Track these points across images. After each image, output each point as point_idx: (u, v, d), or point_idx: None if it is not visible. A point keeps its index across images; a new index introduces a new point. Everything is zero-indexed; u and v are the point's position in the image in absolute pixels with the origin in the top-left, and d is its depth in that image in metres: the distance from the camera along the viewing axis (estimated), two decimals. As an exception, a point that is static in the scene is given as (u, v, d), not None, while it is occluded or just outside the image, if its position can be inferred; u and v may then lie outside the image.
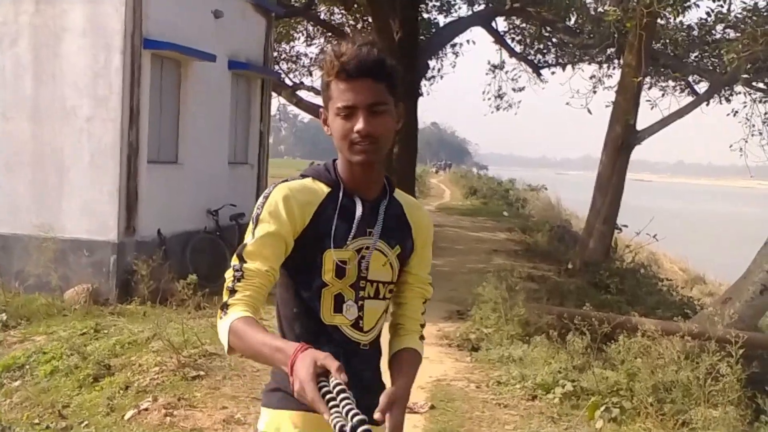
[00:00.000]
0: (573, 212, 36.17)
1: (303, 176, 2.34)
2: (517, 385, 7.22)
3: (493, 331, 9.14)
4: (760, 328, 12.62)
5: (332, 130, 2.24)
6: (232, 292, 2.17)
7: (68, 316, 9.65)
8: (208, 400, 6.48)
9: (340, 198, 2.27)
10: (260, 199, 2.27)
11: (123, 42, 10.46)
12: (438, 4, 26.68)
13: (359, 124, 2.16)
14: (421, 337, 2.44)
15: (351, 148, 2.20)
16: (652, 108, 16.62)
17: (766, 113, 19.33)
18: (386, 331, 2.42)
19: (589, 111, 15.48)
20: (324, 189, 2.29)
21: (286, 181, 2.30)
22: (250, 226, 2.23)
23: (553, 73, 27.71)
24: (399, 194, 2.43)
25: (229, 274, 2.20)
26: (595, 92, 18.63)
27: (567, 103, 15.16)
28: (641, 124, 16.36)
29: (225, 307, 2.17)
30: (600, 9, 19.96)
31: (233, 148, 14.10)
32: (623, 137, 15.92)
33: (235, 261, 2.20)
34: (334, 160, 2.35)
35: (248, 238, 2.22)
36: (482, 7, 25.72)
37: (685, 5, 15.75)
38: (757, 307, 11.11)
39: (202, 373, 7.03)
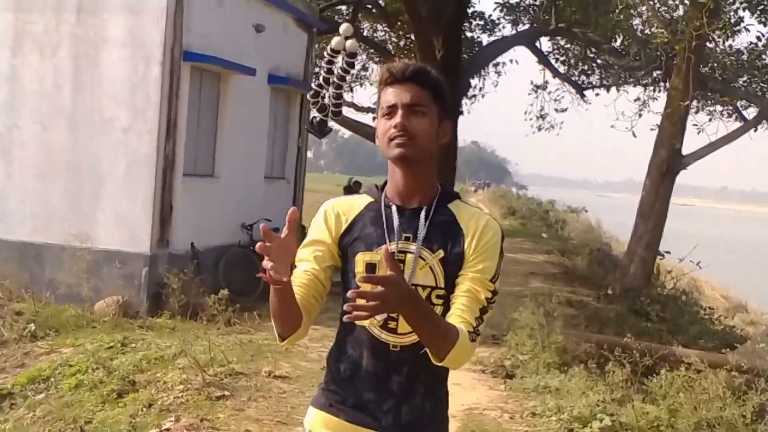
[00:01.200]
0: (613, 235, 35.62)
1: (358, 194, 2.53)
2: (553, 417, 6.93)
3: (529, 358, 8.85)
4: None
5: (377, 134, 2.41)
6: None
7: (97, 328, 9.55)
8: (232, 422, 6.29)
9: (379, 206, 2.41)
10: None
11: (162, 54, 10.40)
12: (482, 23, 26.50)
13: (396, 119, 2.32)
14: (471, 333, 2.26)
15: (389, 144, 2.35)
16: (699, 132, 16.25)
17: (815, 140, 18.91)
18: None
19: (634, 134, 15.16)
20: (367, 200, 2.46)
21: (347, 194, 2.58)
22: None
23: (597, 94, 27.36)
24: (456, 205, 2.45)
25: None
26: (641, 115, 18.26)
27: (612, 126, 14.85)
28: (686, 149, 16.02)
29: None
30: (647, 31, 19.62)
31: (270, 162, 13.99)
32: (668, 162, 15.55)
33: None
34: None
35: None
36: (526, 26, 25.48)
37: (735, 29, 15.42)
38: (805, 341, 10.71)
39: (227, 393, 6.85)
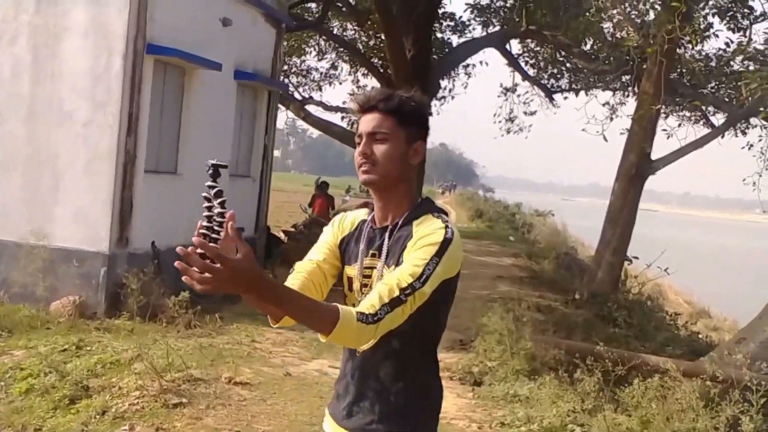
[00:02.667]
0: (579, 239, 35.71)
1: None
2: (522, 428, 6.72)
3: (497, 365, 8.66)
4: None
5: None
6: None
7: (52, 329, 9.19)
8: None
9: (367, 225, 2.61)
10: None
11: (125, 46, 10.06)
12: (452, 24, 26.37)
13: (359, 147, 2.51)
14: (364, 315, 2.29)
15: (358, 170, 2.52)
16: (668, 137, 16.18)
17: (782, 147, 18.96)
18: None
19: (605, 138, 15.07)
20: (364, 215, 2.67)
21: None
22: None
23: (565, 98, 27.38)
24: (422, 219, 2.51)
25: None
26: (612, 119, 18.21)
27: (583, 129, 14.76)
28: (654, 155, 15.95)
29: None
30: (618, 35, 19.59)
31: (235, 160, 13.66)
32: (637, 166, 15.49)
33: None
34: None
35: None
36: (497, 28, 25.38)
37: (705, 35, 15.40)
38: (773, 349, 10.64)
39: (184, 400, 6.55)
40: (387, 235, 2.52)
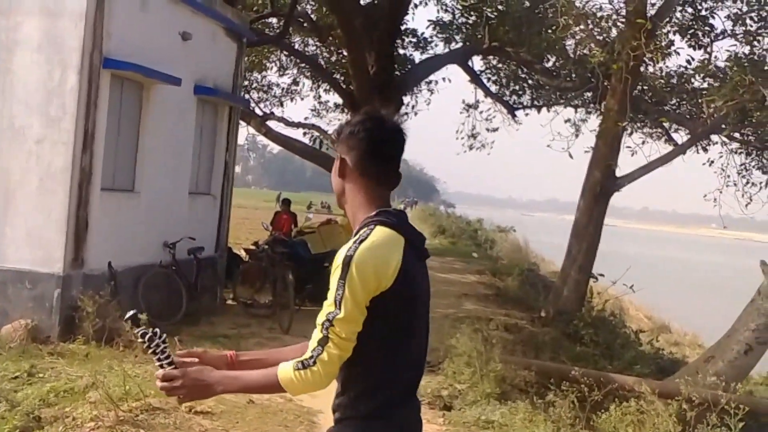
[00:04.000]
0: (540, 255, 35.77)
1: None
2: (496, 455, 6.50)
3: (467, 388, 8.44)
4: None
5: None
6: None
7: (2, 354, 8.74)
8: (147, 466, 5.68)
9: None
10: None
11: (80, 60, 9.70)
12: (414, 40, 26.28)
13: None
14: (299, 363, 2.47)
15: None
16: (633, 155, 16.20)
17: (741, 164, 19.11)
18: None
19: (570, 155, 14.98)
20: None
21: None
22: None
23: (527, 114, 27.41)
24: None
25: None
26: (577, 135, 18.18)
27: (548, 146, 14.63)
28: (618, 171, 15.90)
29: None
30: (581, 52, 19.61)
31: (195, 177, 13.31)
32: (602, 184, 15.43)
33: None
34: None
35: None
36: (459, 45, 25.34)
37: (666, 52, 15.42)
38: (741, 367, 10.58)
39: (142, 431, 6.22)
40: None
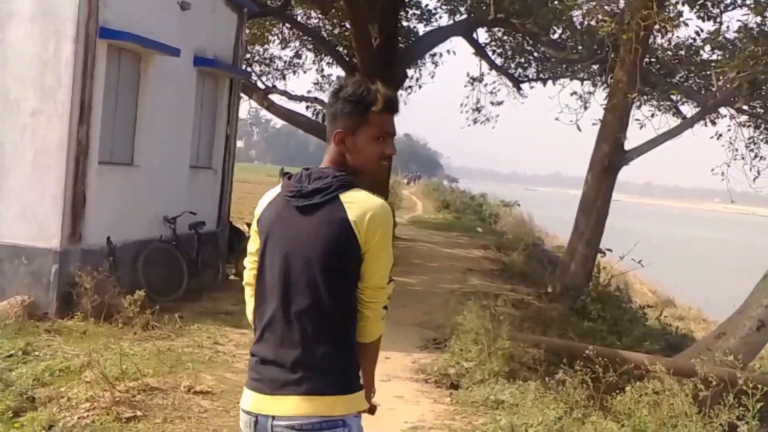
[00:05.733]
0: (544, 229, 35.54)
1: (359, 187, 2.72)
2: (506, 437, 6.28)
3: (474, 366, 8.21)
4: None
5: (361, 150, 2.74)
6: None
7: (-2, 332, 8.54)
8: (144, 449, 5.46)
9: None
10: (390, 217, 2.69)
11: (75, 30, 9.40)
12: (418, 12, 25.90)
13: (391, 149, 2.78)
14: None
15: (377, 165, 2.79)
16: (641, 128, 15.87)
17: (750, 138, 18.80)
18: None
19: (579, 128, 14.68)
20: None
21: (376, 194, 2.71)
22: (390, 239, 2.69)
23: (532, 87, 27.05)
24: None
25: (391, 287, 2.75)
26: (586, 107, 17.82)
27: (556, 119, 14.36)
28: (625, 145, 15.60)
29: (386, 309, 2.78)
30: (588, 23, 19.24)
31: (196, 151, 13.05)
32: (610, 157, 15.13)
33: (389, 278, 2.74)
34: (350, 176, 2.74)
35: (391, 251, 2.72)
36: (464, 17, 24.94)
37: (675, 23, 15.07)
38: (753, 344, 10.34)
39: (139, 413, 6.00)
40: None
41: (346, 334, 2.67)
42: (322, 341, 2.62)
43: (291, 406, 2.59)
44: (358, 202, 2.63)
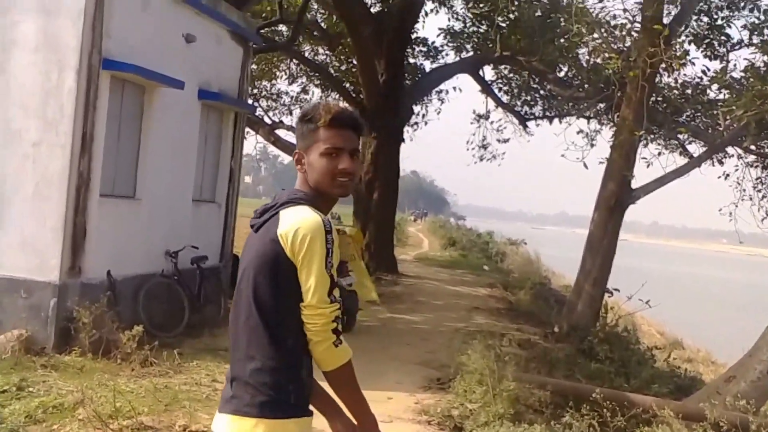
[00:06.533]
0: (550, 268, 35.32)
1: (306, 204, 2.68)
2: (511, 482, 6.06)
3: (479, 408, 7.99)
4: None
5: (313, 167, 2.74)
6: (338, 327, 2.63)
7: (-8, 367, 8.35)
8: (135, 491, 5.27)
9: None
10: (321, 232, 2.58)
11: (78, 60, 9.33)
12: (425, 49, 26.01)
13: (344, 164, 2.72)
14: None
15: (332, 182, 2.73)
16: (648, 166, 15.76)
17: (757, 178, 18.66)
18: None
19: (585, 165, 14.56)
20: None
21: (314, 211, 2.65)
22: (322, 258, 2.57)
23: (538, 125, 27.05)
24: None
25: (333, 309, 2.60)
26: (593, 145, 17.74)
27: (562, 155, 14.23)
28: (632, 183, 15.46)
29: (339, 335, 2.63)
30: (593, 60, 19.23)
31: (199, 184, 12.94)
32: (617, 195, 14.98)
33: (329, 299, 2.59)
34: (306, 194, 2.75)
35: (329, 270, 2.59)
36: (470, 54, 25.02)
37: (682, 62, 15.01)
38: (764, 389, 10.07)
39: (132, 453, 5.81)
40: None
41: (281, 352, 2.58)
42: (253, 357, 2.59)
43: (222, 425, 2.61)
44: (290, 217, 2.61)
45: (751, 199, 17.63)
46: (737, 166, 17.90)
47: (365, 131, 2.62)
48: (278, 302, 2.59)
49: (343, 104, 2.97)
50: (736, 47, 17.16)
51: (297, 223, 2.57)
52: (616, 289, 15.56)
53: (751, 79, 13.74)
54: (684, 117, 19.71)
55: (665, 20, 14.46)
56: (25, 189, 9.49)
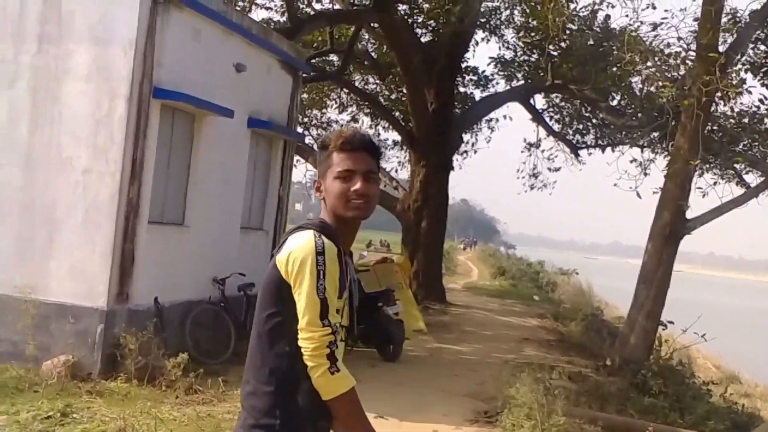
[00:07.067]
0: (603, 299, 34.73)
1: (319, 231, 2.65)
2: None
3: (527, 443, 7.79)
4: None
5: (328, 192, 2.73)
6: (334, 353, 2.56)
7: (39, 392, 8.38)
8: None
9: (343, 257, 2.68)
10: (312, 254, 2.57)
11: (129, 89, 9.44)
12: (475, 78, 25.96)
13: (357, 185, 2.69)
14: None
15: (346, 205, 2.70)
16: (704, 196, 15.40)
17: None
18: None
19: (639, 195, 14.25)
20: (335, 247, 2.65)
21: (318, 235, 2.62)
22: (313, 280, 2.54)
23: (590, 154, 26.75)
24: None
25: (324, 333, 2.54)
26: (646, 174, 17.42)
27: (615, 185, 13.97)
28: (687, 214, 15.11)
29: (335, 363, 2.55)
30: (647, 89, 18.96)
31: (248, 211, 12.99)
32: (671, 225, 14.63)
33: (320, 323, 2.54)
34: (325, 220, 2.74)
35: (319, 293, 2.55)
36: (521, 82, 24.91)
37: (738, 90, 14.71)
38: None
39: (171, 483, 5.74)
40: (352, 267, 2.83)
41: (274, 375, 2.62)
42: (248, 381, 2.69)
43: None
44: (290, 242, 2.65)
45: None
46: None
47: (381, 155, 2.89)
48: (273, 326, 2.61)
49: (366, 129, 2.99)
50: (794, 76, 16.79)
51: (292, 246, 2.60)
52: (670, 322, 15.17)
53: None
54: (741, 146, 19.28)
55: (721, 48, 14.18)
56: (75, 215, 9.59)
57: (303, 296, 2.54)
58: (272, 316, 2.62)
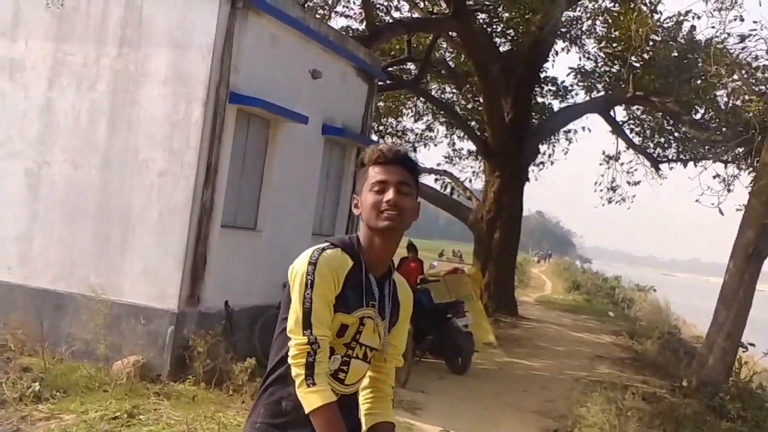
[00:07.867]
0: (681, 317, 33.81)
1: (332, 245, 2.75)
2: None
3: (596, 465, 7.54)
4: None
5: (363, 205, 2.78)
6: (312, 364, 2.59)
7: (108, 392, 8.47)
8: None
9: (362, 272, 2.74)
10: (305, 264, 2.68)
11: (206, 93, 9.51)
12: (554, 89, 25.59)
13: (389, 195, 2.72)
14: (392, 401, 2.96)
15: (379, 216, 2.72)
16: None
17: None
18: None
19: (721, 211, 13.79)
20: (349, 261, 2.73)
21: (324, 248, 2.73)
22: (301, 289, 2.65)
23: (671, 168, 26.06)
24: (396, 276, 2.92)
25: (302, 342, 2.60)
26: (730, 190, 16.84)
27: (697, 200, 13.56)
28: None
29: (311, 375, 2.59)
30: (732, 102, 18.38)
31: (319, 218, 12.99)
32: (755, 244, 14.09)
33: (301, 331, 2.62)
34: (357, 236, 2.80)
35: (305, 303, 2.63)
36: (601, 94, 24.45)
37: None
38: None
39: (231, 490, 5.70)
40: (385, 289, 2.83)
41: (270, 377, 2.79)
42: (263, 382, 2.85)
43: None
44: (302, 253, 2.77)
45: None
46: None
47: (419, 170, 2.89)
48: (281, 331, 2.74)
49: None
50: None
51: (297, 258, 2.74)
52: (751, 344, 14.62)
53: None
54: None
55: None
56: (150, 218, 9.70)
57: (292, 305, 2.65)
58: (282, 323, 2.74)
